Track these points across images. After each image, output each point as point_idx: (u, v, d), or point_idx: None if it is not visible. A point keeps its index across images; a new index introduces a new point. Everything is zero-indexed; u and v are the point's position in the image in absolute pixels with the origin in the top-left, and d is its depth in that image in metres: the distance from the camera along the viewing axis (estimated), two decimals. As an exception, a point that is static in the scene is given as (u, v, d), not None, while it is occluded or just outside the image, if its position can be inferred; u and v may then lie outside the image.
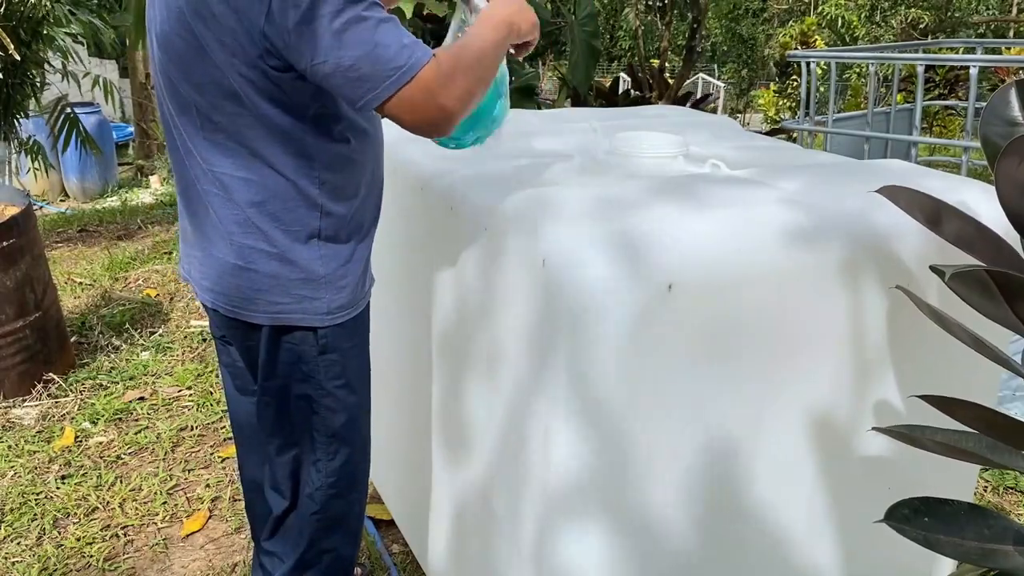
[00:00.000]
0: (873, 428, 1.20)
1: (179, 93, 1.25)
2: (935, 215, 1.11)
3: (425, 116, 1.17)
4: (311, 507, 1.45)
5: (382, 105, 1.16)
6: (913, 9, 10.08)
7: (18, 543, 2.26)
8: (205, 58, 1.19)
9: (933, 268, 1.04)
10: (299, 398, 1.39)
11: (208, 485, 2.52)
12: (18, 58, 3.62)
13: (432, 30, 4.53)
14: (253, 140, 1.23)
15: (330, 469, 1.43)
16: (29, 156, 4.61)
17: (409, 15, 3.83)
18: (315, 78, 1.16)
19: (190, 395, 3.10)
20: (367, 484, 1.55)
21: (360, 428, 1.47)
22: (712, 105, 10.25)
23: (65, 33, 4.49)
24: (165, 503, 2.43)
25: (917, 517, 1.04)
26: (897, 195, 1.15)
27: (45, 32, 4.07)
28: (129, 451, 2.72)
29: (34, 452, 2.71)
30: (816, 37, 10.70)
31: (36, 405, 3.04)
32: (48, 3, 3.88)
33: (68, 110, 4.82)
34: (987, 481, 2.52)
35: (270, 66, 1.16)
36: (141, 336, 3.62)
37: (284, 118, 1.22)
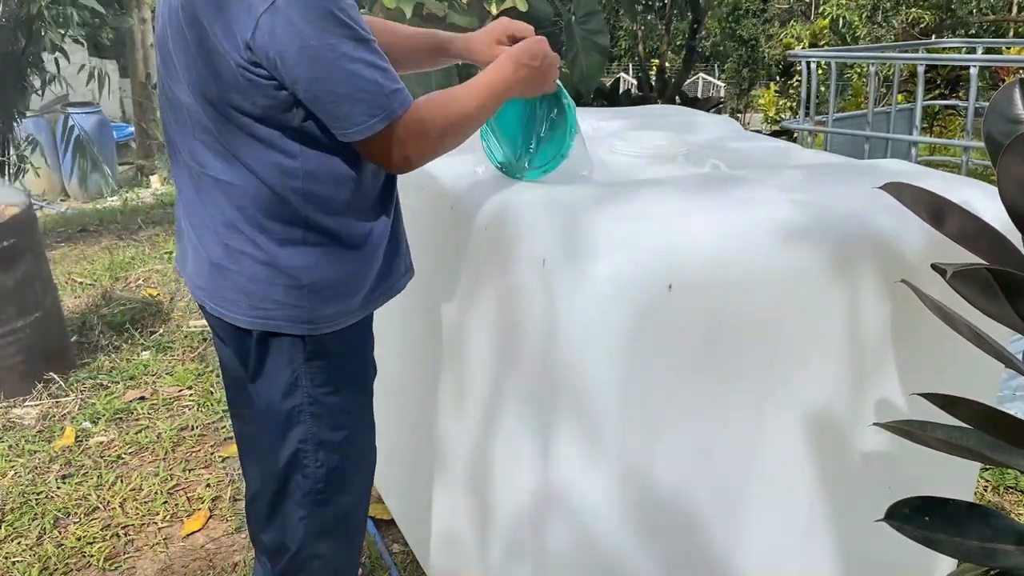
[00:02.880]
0: (874, 424, 1.20)
1: (175, 93, 1.26)
2: (938, 212, 1.11)
3: (387, 162, 1.26)
4: (299, 512, 1.43)
5: (353, 142, 1.21)
6: (914, 9, 10.06)
7: (18, 542, 2.26)
8: (194, 63, 1.19)
9: (935, 266, 1.04)
10: (288, 404, 1.36)
11: (209, 485, 2.52)
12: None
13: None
14: (237, 146, 1.23)
15: (318, 476, 1.40)
16: (19, 159, 4.60)
17: (409, 15, 3.82)
18: (296, 95, 1.18)
19: (191, 395, 3.10)
20: (362, 492, 1.52)
21: (352, 436, 1.43)
22: (718, 104, 10.20)
23: (64, 34, 4.48)
24: (165, 503, 2.43)
25: (918, 516, 1.04)
26: (901, 191, 1.15)
27: (44, 34, 4.07)
28: (129, 451, 2.72)
29: (34, 452, 2.71)
30: (825, 40, 10.68)
31: (36, 405, 3.04)
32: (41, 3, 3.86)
33: (71, 121, 4.81)
34: (987, 481, 2.52)
35: (256, 74, 1.16)
36: (141, 336, 3.62)
37: (265, 128, 1.21)
